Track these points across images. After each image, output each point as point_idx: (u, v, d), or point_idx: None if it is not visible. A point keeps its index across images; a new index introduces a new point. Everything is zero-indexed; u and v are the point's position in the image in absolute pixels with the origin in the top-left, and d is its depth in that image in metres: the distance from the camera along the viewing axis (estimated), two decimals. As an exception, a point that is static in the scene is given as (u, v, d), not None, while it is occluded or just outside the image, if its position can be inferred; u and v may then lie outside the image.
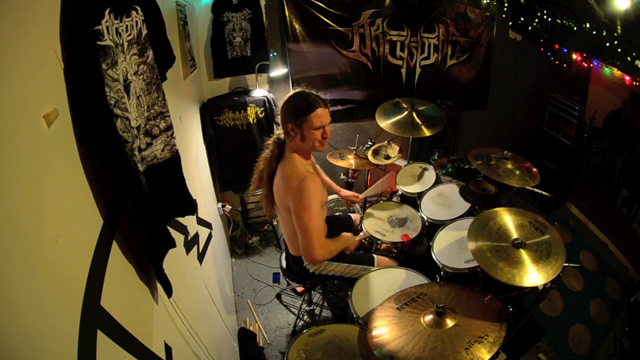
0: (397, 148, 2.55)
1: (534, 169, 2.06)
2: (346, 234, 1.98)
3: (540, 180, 1.99)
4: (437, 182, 2.39)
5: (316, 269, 1.95)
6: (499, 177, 1.96)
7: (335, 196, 2.56)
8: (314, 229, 1.65)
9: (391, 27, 3.12)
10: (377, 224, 2.16)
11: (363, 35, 3.08)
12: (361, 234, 2.07)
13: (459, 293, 1.48)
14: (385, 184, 2.51)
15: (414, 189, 2.39)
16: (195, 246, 1.75)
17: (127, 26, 0.96)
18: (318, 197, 1.66)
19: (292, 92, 1.74)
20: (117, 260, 0.90)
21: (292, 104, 1.68)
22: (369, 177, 2.88)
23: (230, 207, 2.93)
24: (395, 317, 1.40)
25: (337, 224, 2.26)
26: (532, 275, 1.35)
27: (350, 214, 2.40)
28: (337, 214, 2.44)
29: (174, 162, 1.19)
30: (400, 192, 2.42)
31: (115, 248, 0.89)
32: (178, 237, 1.44)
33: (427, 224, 2.14)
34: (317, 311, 2.61)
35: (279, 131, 1.80)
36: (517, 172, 2.03)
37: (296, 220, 1.66)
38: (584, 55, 2.85)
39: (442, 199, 2.25)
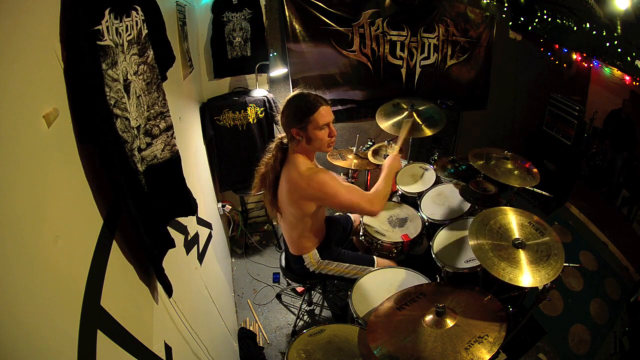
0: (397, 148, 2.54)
1: (534, 169, 2.05)
2: (386, 163, 1.92)
3: (540, 180, 1.99)
4: (437, 182, 2.39)
5: (316, 268, 1.95)
6: (495, 176, 1.96)
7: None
8: (356, 200, 1.68)
9: (391, 27, 3.11)
10: (377, 224, 2.16)
11: (363, 35, 3.08)
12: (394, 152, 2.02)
13: (459, 293, 1.48)
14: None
15: (414, 189, 2.39)
16: (195, 246, 1.75)
17: (127, 26, 0.96)
18: (333, 177, 1.65)
19: (290, 95, 1.68)
20: (117, 260, 0.90)
21: (293, 107, 1.63)
22: (369, 177, 2.88)
23: (230, 207, 2.93)
24: (395, 317, 1.40)
25: (337, 224, 2.25)
26: (533, 275, 1.35)
27: (349, 214, 2.40)
28: (337, 214, 2.44)
29: (174, 162, 1.20)
30: (400, 192, 2.42)
31: (115, 248, 0.89)
32: (178, 237, 1.44)
33: (427, 224, 2.14)
34: (317, 311, 2.61)
35: (281, 135, 1.76)
36: (516, 172, 2.03)
37: (340, 209, 1.70)
38: (584, 55, 2.85)
39: (442, 199, 2.25)
